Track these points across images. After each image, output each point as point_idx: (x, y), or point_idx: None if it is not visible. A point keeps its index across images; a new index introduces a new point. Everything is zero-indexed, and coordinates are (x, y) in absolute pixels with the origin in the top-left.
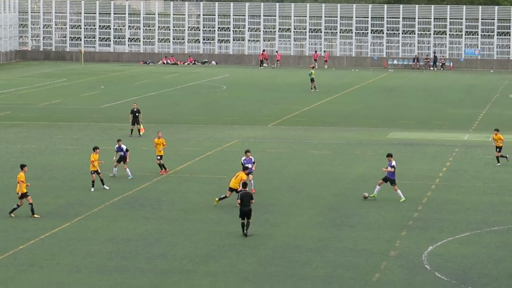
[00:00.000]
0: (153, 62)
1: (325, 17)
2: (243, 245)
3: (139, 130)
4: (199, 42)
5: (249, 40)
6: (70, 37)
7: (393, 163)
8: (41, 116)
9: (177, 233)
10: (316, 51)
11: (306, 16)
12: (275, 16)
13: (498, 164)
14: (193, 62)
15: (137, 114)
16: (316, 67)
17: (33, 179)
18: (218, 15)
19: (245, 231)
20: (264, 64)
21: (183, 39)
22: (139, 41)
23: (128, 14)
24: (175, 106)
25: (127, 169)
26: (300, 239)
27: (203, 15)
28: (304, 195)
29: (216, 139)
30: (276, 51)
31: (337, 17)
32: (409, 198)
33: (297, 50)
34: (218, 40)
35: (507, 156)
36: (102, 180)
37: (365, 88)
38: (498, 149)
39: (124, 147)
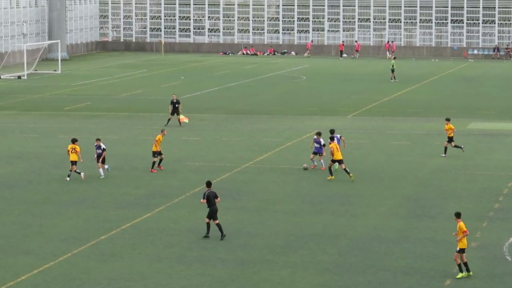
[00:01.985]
0: (233, 53)
1: (404, 7)
2: (323, 236)
3: (179, 120)
4: (278, 32)
5: (328, 30)
6: (150, 27)
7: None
8: (121, 106)
9: (256, 223)
10: (388, 41)
11: (385, 6)
12: (354, 6)
13: (443, 155)
14: (273, 52)
15: (176, 105)
16: (392, 57)
17: (114, 169)
18: (298, 5)
19: (208, 234)
20: (344, 55)
21: (262, 29)
22: (219, 31)
23: (208, 4)
24: (254, 97)
25: (100, 169)
26: (380, 230)
27: (283, 5)
28: (383, 186)
29: (296, 130)
30: (356, 41)
31: (416, 6)
32: (490, 189)
33: (376, 40)
34: (298, 30)
35: (462, 146)
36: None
37: (445, 78)
38: (449, 139)
39: (102, 145)
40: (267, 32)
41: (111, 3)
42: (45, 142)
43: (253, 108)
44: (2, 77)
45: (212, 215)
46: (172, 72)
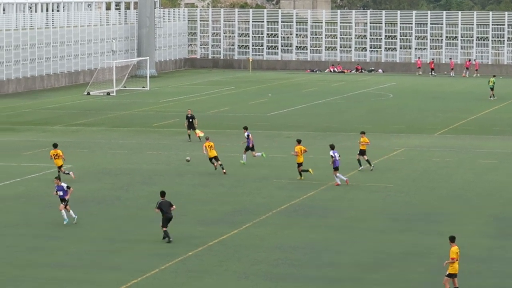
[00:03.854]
0: (320, 70)
1: (492, 25)
2: (411, 254)
3: (196, 135)
4: (365, 50)
5: (416, 48)
6: (238, 45)
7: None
8: (209, 123)
9: (344, 241)
10: (469, 59)
11: (473, 24)
12: (442, 24)
13: (360, 168)
14: (360, 70)
15: (191, 120)
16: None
17: (200, 186)
18: (385, 23)
19: (170, 238)
20: (433, 73)
21: (350, 47)
22: (306, 49)
23: (296, 22)
24: (341, 114)
25: (63, 210)
26: (468, 249)
27: (370, 23)
28: (470, 204)
29: (382, 148)
30: (450, 59)
31: (504, 25)
32: None
33: (463, 59)
34: (385, 48)
35: (372, 166)
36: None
37: None
38: (360, 152)
39: (64, 185)
40: (354, 50)
41: (200, 21)
42: (133, 158)
43: (340, 126)
44: (91, 93)
45: (168, 222)
46: (260, 89)
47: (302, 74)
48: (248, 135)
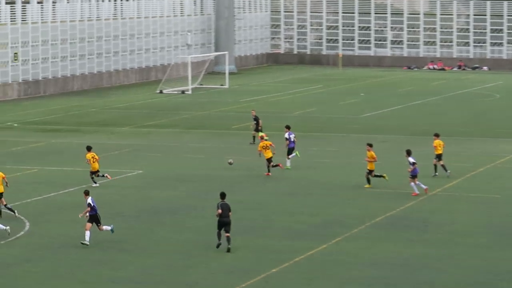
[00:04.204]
0: (418, 67)
1: None
2: None
3: (259, 138)
4: (468, 45)
5: None
6: (327, 39)
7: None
8: (295, 125)
9: (445, 258)
10: None
11: None
12: None
13: (434, 174)
14: (462, 67)
15: (255, 122)
16: None
17: (286, 194)
18: (491, 15)
19: (219, 241)
20: None
21: (451, 41)
22: (402, 43)
23: (391, 14)
24: (442, 116)
25: (88, 231)
26: None
27: (474, 15)
28: None
29: (489, 154)
30: None
31: None
32: None
33: None
34: (490, 43)
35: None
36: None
37: None
38: (437, 157)
39: (91, 200)
40: (456, 45)
41: (284, 12)
42: (211, 163)
43: (441, 129)
44: (164, 91)
45: (224, 226)
46: (351, 88)
47: (397, 72)
48: (290, 137)
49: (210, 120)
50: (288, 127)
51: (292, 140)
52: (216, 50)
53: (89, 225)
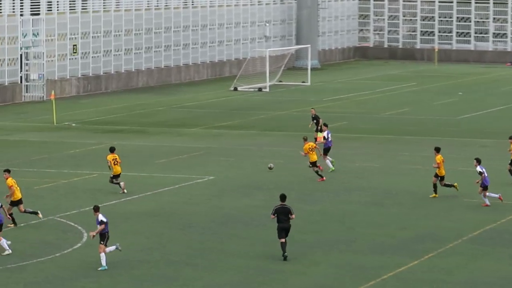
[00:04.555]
0: None
1: None
2: None
3: (316, 139)
4: None
5: None
6: (421, 31)
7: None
8: (384, 127)
9: None
10: None
11: None
12: None
13: None
14: None
15: (314, 121)
16: None
17: (373, 204)
18: None
19: (285, 253)
20: None
21: None
22: (506, 37)
23: (493, 3)
24: None
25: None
26: None
27: None
28: None
29: None
30: None
31: None
32: None
33: None
34: None
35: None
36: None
37: None
38: None
39: (103, 217)
40: None
41: (374, 1)
42: (289, 169)
43: None
44: (239, 89)
45: (285, 232)
46: (447, 87)
47: (500, 68)
48: (328, 135)
49: (289, 121)
50: (326, 125)
51: (329, 139)
52: (297, 43)
53: (102, 246)
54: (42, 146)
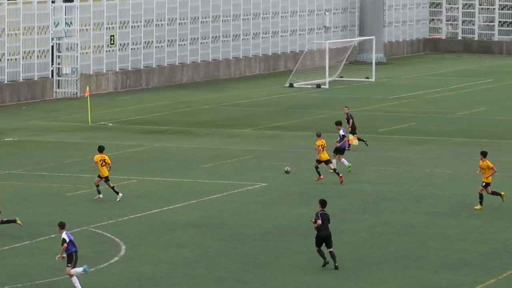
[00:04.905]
0: None
1: None
2: None
3: (349, 141)
4: None
5: None
6: (500, 21)
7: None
8: (457, 129)
9: None
10: None
11: None
12: None
13: None
14: None
15: (347, 120)
16: None
17: (446, 215)
18: None
19: (326, 259)
20: None
21: None
22: None
23: None
24: None
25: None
26: None
27: None
28: None
29: None
30: None
31: None
32: None
33: None
34: None
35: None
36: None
37: None
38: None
39: (68, 236)
40: None
41: None
42: (351, 175)
43: None
44: (295, 85)
45: (324, 241)
46: None
47: None
48: (343, 135)
49: None
50: (339, 124)
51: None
52: (360, 34)
53: (68, 269)
54: (75, 148)
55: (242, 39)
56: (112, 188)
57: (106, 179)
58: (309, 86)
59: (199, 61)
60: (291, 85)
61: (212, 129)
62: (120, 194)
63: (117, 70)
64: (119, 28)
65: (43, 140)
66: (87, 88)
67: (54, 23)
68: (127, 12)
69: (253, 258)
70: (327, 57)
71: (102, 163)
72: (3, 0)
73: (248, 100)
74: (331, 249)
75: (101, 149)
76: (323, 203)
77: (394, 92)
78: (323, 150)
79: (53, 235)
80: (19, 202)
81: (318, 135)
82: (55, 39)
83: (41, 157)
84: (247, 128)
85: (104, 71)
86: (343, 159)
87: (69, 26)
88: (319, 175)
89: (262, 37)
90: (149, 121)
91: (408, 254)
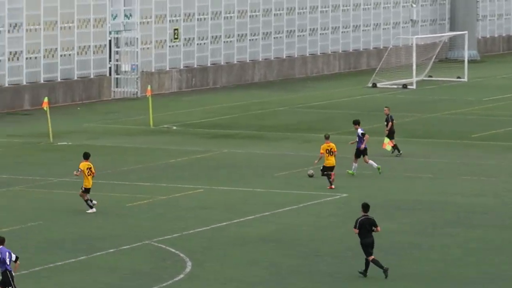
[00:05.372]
0: None
1: None
2: None
3: (383, 145)
4: None
5: None
6: None
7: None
8: None
9: None
10: None
11: None
12: None
13: None
14: None
15: (385, 123)
16: None
17: None
18: None
19: (384, 266)
20: None
21: None
22: None
23: None
24: None
25: None
26: None
27: None
28: None
29: None
30: None
31: None
32: None
33: None
34: None
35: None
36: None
37: None
38: None
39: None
40: None
41: None
42: (440, 185)
43: None
44: (378, 85)
45: (370, 249)
46: None
47: None
48: (362, 134)
49: (441, 126)
50: (356, 123)
51: (363, 138)
52: (451, 29)
53: None
54: (135, 153)
55: (320, 34)
56: (86, 201)
57: (87, 191)
58: (394, 86)
59: (272, 58)
60: (374, 85)
61: (287, 133)
62: (94, 209)
63: (182, 67)
64: (183, 21)
65: (99, 145)
66: (149, 88)
67: (112, 15)
68: (193, 3)
69: (331, 277)
70: (414, 54)
71: (88, 172)
72: None
73: (326, 101)
74: (372, 257)
75: (86, 156)
76: (365, 207)
77: (489, 93)
78: (330, 155)
79: (111, 250)
80: (73, 213)
81: (326, 137)
82: (113, 33)
83: (98, 164)
84: (325, 132)
85: (167, 69)
86: (370, 161)
87: (129, 19)
88: (330, 184)
89: (342, 32)
90: (217, 124)
91: (505, 275)
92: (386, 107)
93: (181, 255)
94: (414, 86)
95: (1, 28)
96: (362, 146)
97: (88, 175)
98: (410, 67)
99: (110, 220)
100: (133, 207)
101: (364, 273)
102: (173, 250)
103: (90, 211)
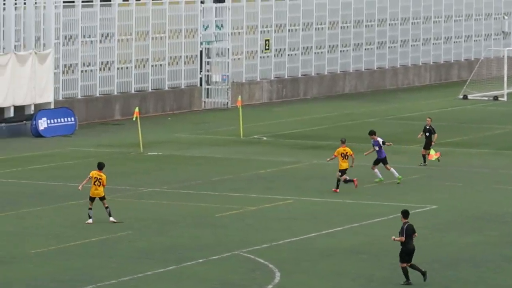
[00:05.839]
0: None
1: None
2: None
3: (427, 156)
4: None
5: None
6: None
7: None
8: None
9: None
10: None
11: None
12: None
13: None
14: None
15: (427, 134)
16: None
17: None
18: None
19: (409, 280)
20: None
21: None
22: None
23: None
24: None
25: None
26: None
27: None
28: None
29: None
30: None
31: None
32: None
33: None
34: None
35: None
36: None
37: None
38: None
39: None
40: None
41: None
42: None
43: None
44: (469, 97)
45: (410, 256)
46: None
47: None
48: (379, 143)
49: None
50: (372, 133)
51: (382, 149)
52: None
53: None
54: (225, 164)
55: (411, 45)
56: (89, 209)
57: (92, 199)
58: (485, 98)
59: (363, 69)
60: (465, 97)
61: None
62: (90, 220)
63: (272, 78)
64: (274, 32)
65: (190, 155)
66: (239, 98)
67: (203, 25)
68: (284, 14)
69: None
70: (505, 66)
71: (96, 182)
72: (148, 0)
73: (416, 113)
74: (410, 263)
75: (100, 166)
76: (405, 213)
77: None
78: (344, 159)
79: (200, 260)
80: (163, 223)
81: (343, 142)
82: (204, 43)
83: (188, 174)
84: (414, 145)
85: (258, 80)
86: (392, 169)
87: (220, 30)
88: (336, 187)
89: (433, 43)
90: (307, 135)
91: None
92: (428, 117)
93: (270, 265)
94: (505, 98)
95: (93, 38)
96: (385, 155)
97: (95, 184)
98: (501, 79)
99: (200, 230)
100: (223, 218)
101: (407, 281)
102: (262, 261)
103: (88, 221)
